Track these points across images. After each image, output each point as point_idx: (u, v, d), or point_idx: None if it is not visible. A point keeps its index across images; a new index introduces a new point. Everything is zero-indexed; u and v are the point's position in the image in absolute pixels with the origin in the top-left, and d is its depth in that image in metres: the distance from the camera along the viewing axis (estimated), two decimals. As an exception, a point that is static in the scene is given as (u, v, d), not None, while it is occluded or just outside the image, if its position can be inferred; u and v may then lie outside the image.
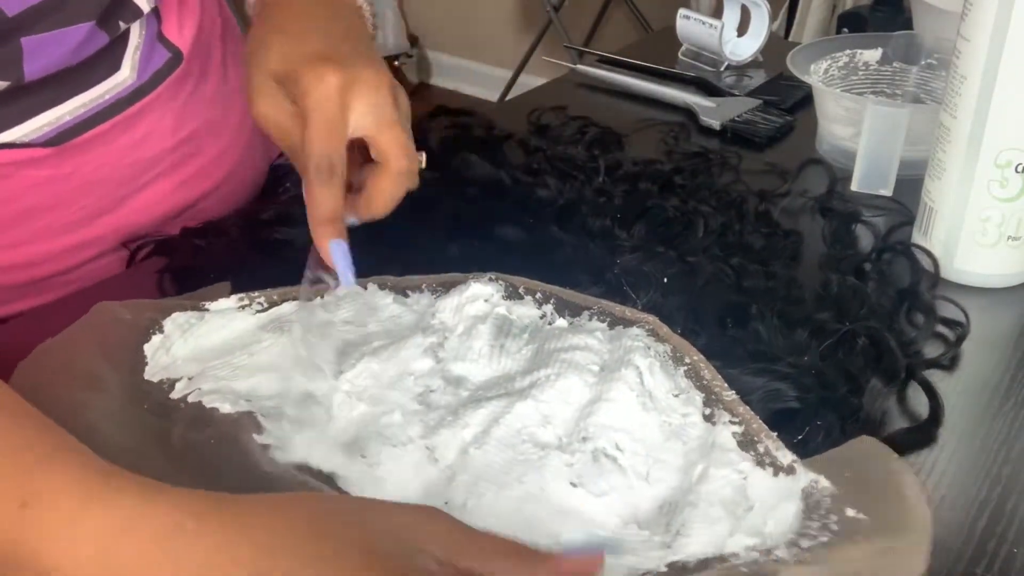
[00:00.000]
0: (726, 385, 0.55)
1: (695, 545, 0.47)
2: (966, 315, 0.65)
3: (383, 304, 0.62)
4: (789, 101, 0.96)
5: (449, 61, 3.05)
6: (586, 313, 0.61)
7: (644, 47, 1.21)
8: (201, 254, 0.70)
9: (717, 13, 1.08)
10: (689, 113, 0.94)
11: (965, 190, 0.67)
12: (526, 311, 0.61)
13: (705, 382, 0.55)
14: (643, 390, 0.54)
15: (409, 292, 0.63)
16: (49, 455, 0.41)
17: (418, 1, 2.99)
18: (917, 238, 0.72)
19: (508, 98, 2.27)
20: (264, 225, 0.71)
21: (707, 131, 0.92)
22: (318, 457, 0.51)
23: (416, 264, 0.65)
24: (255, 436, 0.52)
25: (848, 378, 0.57)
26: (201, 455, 0.51)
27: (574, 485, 0.50)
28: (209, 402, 0.53)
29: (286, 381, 0.55)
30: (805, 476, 0.50)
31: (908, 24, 1.05)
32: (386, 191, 0.57)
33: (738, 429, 0.53)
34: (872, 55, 0.90)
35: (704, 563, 0.46)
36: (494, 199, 0.73)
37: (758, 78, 1.03)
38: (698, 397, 0.55)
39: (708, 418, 0.54)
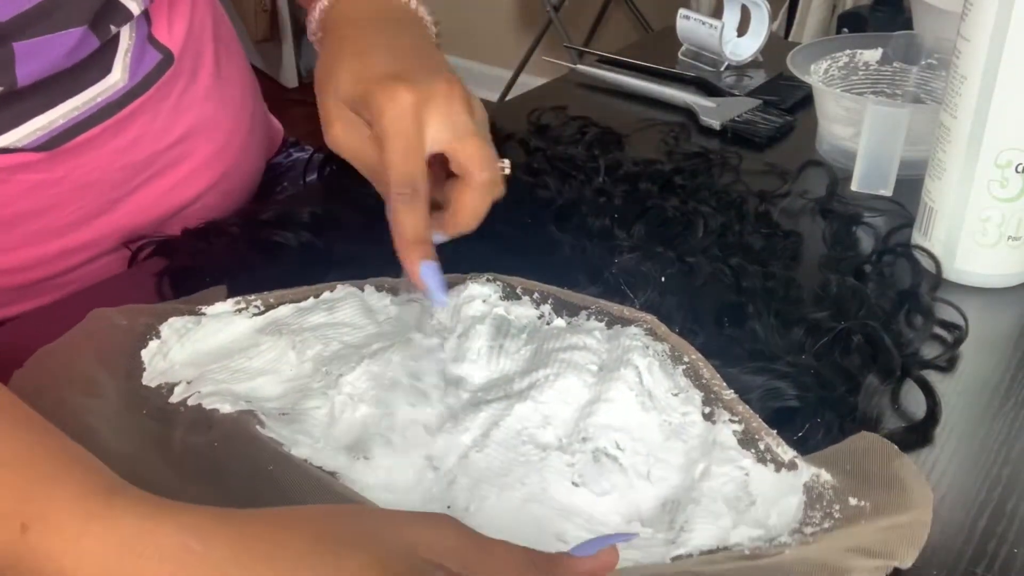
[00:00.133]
0: (725, 384, 0.55)
1: (699, 538, 0.47)
2: (965, 318, 0.65)
3: (381, 306, 0.62)
4: (789, 101, 0.96)
5: (449, 61, 3.04)
6: (584, 313, 0.61)
7: (644, 47, 1.21)
8: (201, 255, 0.70)
9: (717, 13, 1.08)
10: (689, 113, 0.94)
11: (965, 190, 0.67)
12: (524, 311, 0.61)
13: (704, 381, 0.55)
14: (642, 389, 0.54)
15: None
16: (49, 473, 0.40)
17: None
18: (917, 238, 0.72)
19: (508, 98, 2.27)
20: (264, 226, 0.71)
21: (707, 131, 0.92)
22: (320, 459, 0.51)
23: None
24: (258, 428, 0.51)
25: (846, 377, 0.57)
26: (204, 459, 0.50)
27: (576, 485, 0.50)
28: (209, 404, 0.53)
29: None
30: (807, 471, 0.50)
31: (908, 24, 1.05)
32: (471, 204, 0.55)
33: (738, 427, 0.53)
34: (872, 55, 0.90)
35: (708, 554, 0.47)
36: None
37: (758, 78, 1.03)
38: (697, 396, 0.55)
39: (708, 417, 0.54)
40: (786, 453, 0.51)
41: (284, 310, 0.61)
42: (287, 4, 2.90)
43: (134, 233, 0.75)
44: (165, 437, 0.52)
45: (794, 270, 0.69)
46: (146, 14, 0.74)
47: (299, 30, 2.98)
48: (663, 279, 0.64)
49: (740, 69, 1.04)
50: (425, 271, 0.53)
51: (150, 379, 0.56)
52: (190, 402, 0.54)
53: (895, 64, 0.90)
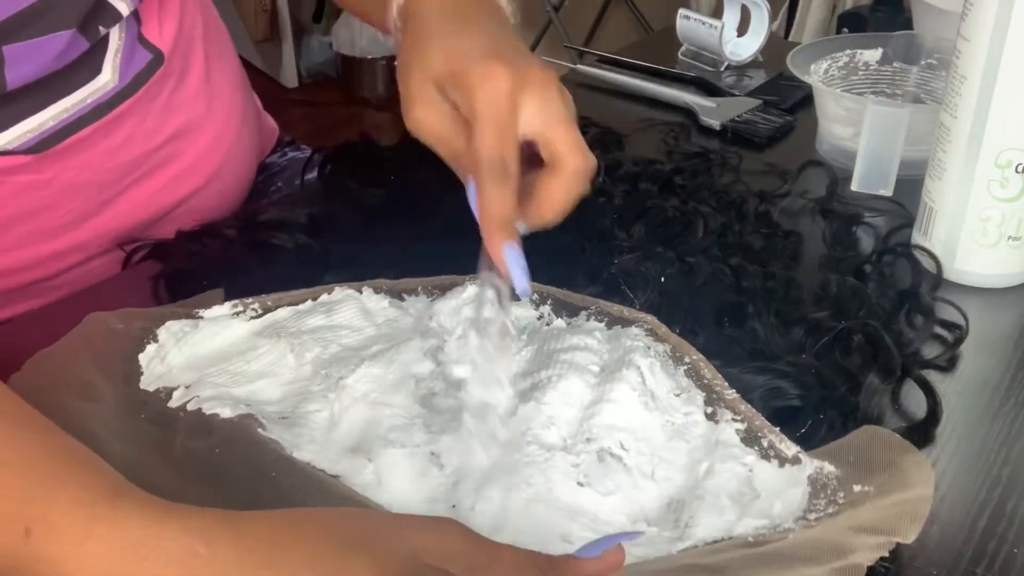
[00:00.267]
0: (726, 384, 0.55)
1: (703, 532, 0.48)
2: (965, 317, 0.65)
3: (379, 308, 0.62)
4: (789, 101, 0.96)
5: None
6: (583, 313, 0.61)
7: (644, 47, 1.21)
8: (196, 258, 0.69)
9: (717, 13, 1.07)
10: (689, 113, 0.94)
11: (965, 190, 0.67)
12: (523, 312, 0.61)
13: (706, 381, 0.56)
14: (645, 390, 0.54)
15: (405, 295, 0.63)
16: (51, 474, 0.40)
17: (418, 1, 2.99)
18: (917, 238, 0.72)
19: (508, 98, 2.27)
20: (260, 228, 0.71)
21: (707, 131, 0.92)
22: (323, 462, 0.51)
23: (412, 266, 0.65)
24: (260, 431, 0.51)
25: (847, 377, 0.57)
26: (205, 463, 0.50)
27: (581, 485, 0.50)
28: (209, 408, 0.53)
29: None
30: (810, 464, 0.50)
31: (908, 24, 1.05)
32: (559, 193, 0.52)
33: (741, 426, 0.53)
34: (872, 55, 0.90)
35: (713, 544, 0.47)
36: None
37: (758, 78, 1.03)
38: (699, 396, 0.55)
39: (710, 417, 0.54)
40: (789, 449, 0.51)
41: (282, 313, 0.61)
42: (287, 4, 2.90)
43: (127, 234, 0.75)
44: (165, 441, 0.52)
45: (794, 270, 0.69)
46: (136, 14, 0.74)
47: (299, 30, 2.98)
48: (663, 279, 0.63)
49: (740, 69, 1.04)
50: (509, 254, 0.51)
51: (148, 383, 0.56)
52: (189, 407, 0.54)
53: (895, 64, 0.90)
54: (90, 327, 0.58)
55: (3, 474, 0.40)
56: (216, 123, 0.82)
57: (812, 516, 0.48)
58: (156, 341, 0.58)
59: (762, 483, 0.50)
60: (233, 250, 0.70)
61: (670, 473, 0.51)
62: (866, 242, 0.74)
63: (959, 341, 0.63)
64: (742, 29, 1.06)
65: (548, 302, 0.62)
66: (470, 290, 0.61)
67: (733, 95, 0.97)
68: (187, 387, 0.55)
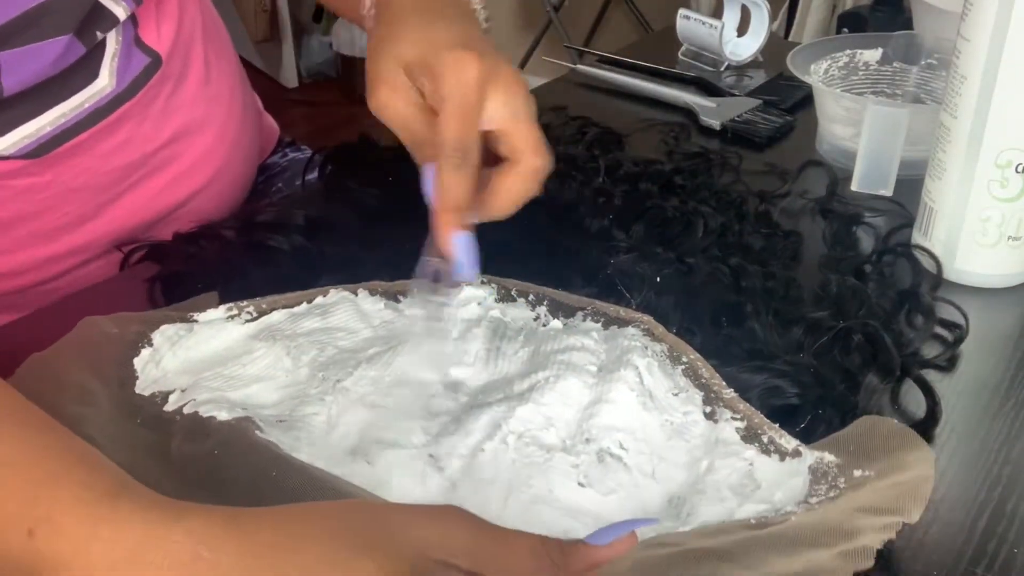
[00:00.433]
0: (724, 383, 0.55)
1: (704, 517, 0.48)
2: (965, 317, 0.65)
3: (375, 310, 0.62)
4: (789, 101, 0.96)
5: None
6: (580, 314, 0.61)
7: (644, 47, 1.21)
8: (193, 260, 0.69)
9: (717, 13, 1.07)
10: (689, 113, 0.94)
11: (965, 190, 0.67)
12: (520, 313, 0.61)
13: (704, 380, 0.55)
14: (643, 390, 0.54)
15: (400, 297, 0.63)
16: (53, 473, 0.40)
17: (418, 1, 2.98)
18: (917, 238, 0.72)
19: (508, 98, 2.27)
20: (256, 230, 0.71)
21: (707, 131, 0.92)
22: (321, 465, 0.51)
23: (408, 268, 0.64)
24: (257, 433, 0.51)
25: (846, 376, 0.57)
26: (203, 466, 0.50)
27: (582, 485, 0.50)
28: (206, 411, 0.53)
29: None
30: (811, 455, 0.50)
31: (908, 24, 1.04)
32: (514, 188, 0.54)
33: (740, 424, 0.53)
34: (872, 55, 0.90)
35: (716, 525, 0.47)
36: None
37: (758, 78, 1.03)
38: (698, 395, 0.55)
39: (709, 416, 0.54)
40: (789, 443, 0.52)
41: (277, 316, 0.61)
42: (287, 4, 2.90)
43: (125, 237, 0.74)
44: (161, 445, 0.51)
45: (794, 270, 0.68)
46: (133, 18, 0.74)
47: (299, 30, 2.99)
48: (659, 279, 0.63)
49: (740, 69, 1.04)
50: (459, 238, 0.53)
51: (143, 388, 0.56)
52: (185, 410, 0.53)
53: (895, 64, 0.90)
54: (84, 330, 0.57)
55: (6, 473, 0.40)
56: (216, 124, 0.82)
57: (813, 500, 0.48)
58: (151, 345, 0.58)
59: (763, 475, 0.50)
60: (229, 252, 0.69)
61: (670, 472, 0.51)
62: (866, 242, 0.74)
63: (959, 341, 0.63)
64: (742, 29, 1.06)
65: (544, 303, 0.62)
66: (466, 291, 0.61)
67: (733, 95, 0.97)
68: (183, 391, 0.55)
